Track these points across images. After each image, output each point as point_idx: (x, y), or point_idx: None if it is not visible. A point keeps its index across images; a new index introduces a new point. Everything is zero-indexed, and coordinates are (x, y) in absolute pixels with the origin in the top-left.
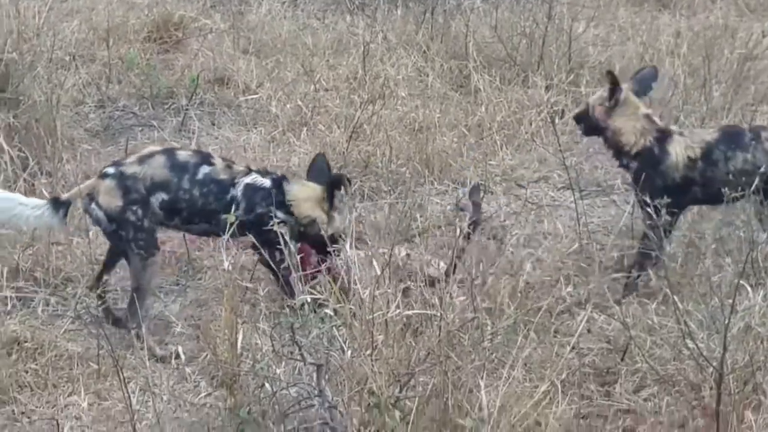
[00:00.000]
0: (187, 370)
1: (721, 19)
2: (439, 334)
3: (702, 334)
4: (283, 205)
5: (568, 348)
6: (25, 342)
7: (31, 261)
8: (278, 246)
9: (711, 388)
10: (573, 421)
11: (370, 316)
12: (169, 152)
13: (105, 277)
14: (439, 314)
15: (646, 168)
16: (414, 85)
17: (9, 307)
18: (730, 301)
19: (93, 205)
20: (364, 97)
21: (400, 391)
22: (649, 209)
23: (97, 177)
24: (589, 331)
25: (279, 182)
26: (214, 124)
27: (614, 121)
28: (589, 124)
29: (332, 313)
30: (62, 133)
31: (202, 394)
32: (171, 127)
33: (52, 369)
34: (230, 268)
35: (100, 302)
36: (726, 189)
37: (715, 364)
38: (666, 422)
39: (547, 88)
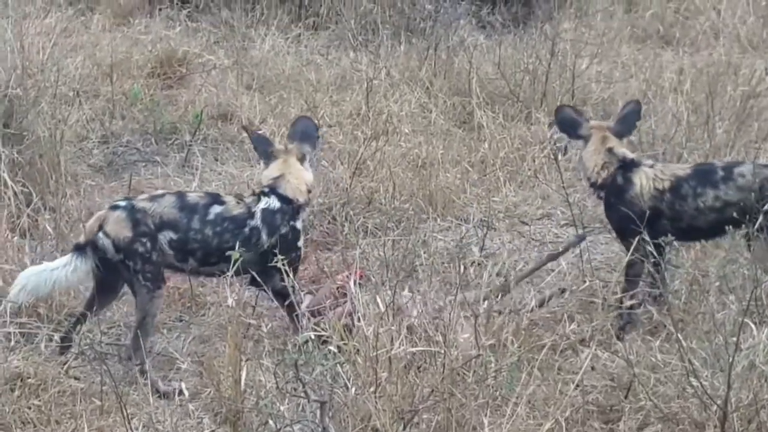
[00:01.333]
0: (191, 406)
1: (724, 56)
2: (443, 371)
3: (706, 372)
4: (296, 214)
5: (572, 385)
6: (28, 378)
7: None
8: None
9: (715, 427)
10: None
11: (374, 353)
12: (180, 194)
13: (87, 317)
14: (442, 351)
15: (612, 197)
16: (417, 121)
17: (12, 343)
18: (735, 339)
19: (100, 234)
20: (367, 133)
21: (404, 429)
22: (628, 241)
23: (107, 209)
24: (593, 368)
25: (278, 194)
26: (217, 160)
27: (582, 156)
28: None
29: (336, 350)
30: (66, 169)
31: (206, 431)
32: (174, 163)
33: (55, 405)
34: (234, 304)
35: (65, 332)
36: (698, 224)
37: (719, 402)
38: None
39: (550, 124)
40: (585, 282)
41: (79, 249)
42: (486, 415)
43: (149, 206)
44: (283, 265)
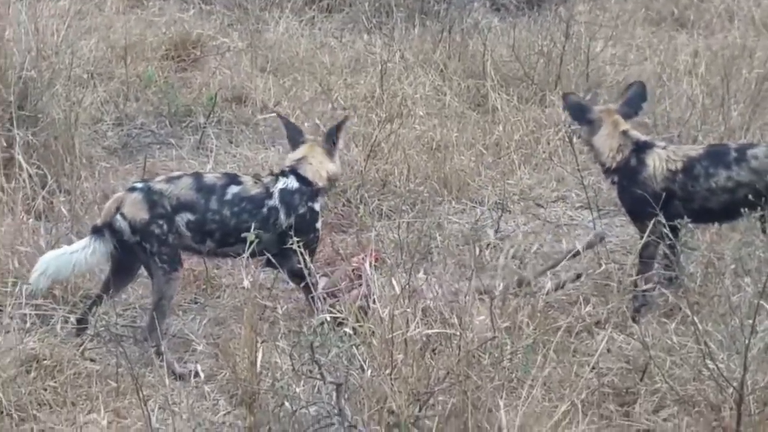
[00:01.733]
0: (206, 388)
1: (739, 38)
2: (459, 354)
3: (722, 355)
4: (315, 196)
5: (588, 367)
6: (44, 359)
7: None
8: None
9: (731, 409)
10: None
11: (390, 335)
12: (197, 175)
13: (103, 300)
14: (458, 333)
15: (626, 180)
16: (431, 104)
17: (28, 325)
18: (750, 321)
19: (117, 216)
20: (381, 116)
21: (420, 411)
22: (642, 223)
23: (124, 191)
24: (608, 350)
25: (298, 174)
26: (231, 143)
27: (594, 141)
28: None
29: (352, 332)
30: (80, 151)
31: (222, 413)
32: (189, 145)
33: (71, 387)
34: (249, 286)
35: (81, 314)
36: (710, 205)
37: (735, 384)
38: None
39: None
40: (601, 265)
41: (96, 231)
42: (501, 398)
43: (166, 188)
44: (300, 246)
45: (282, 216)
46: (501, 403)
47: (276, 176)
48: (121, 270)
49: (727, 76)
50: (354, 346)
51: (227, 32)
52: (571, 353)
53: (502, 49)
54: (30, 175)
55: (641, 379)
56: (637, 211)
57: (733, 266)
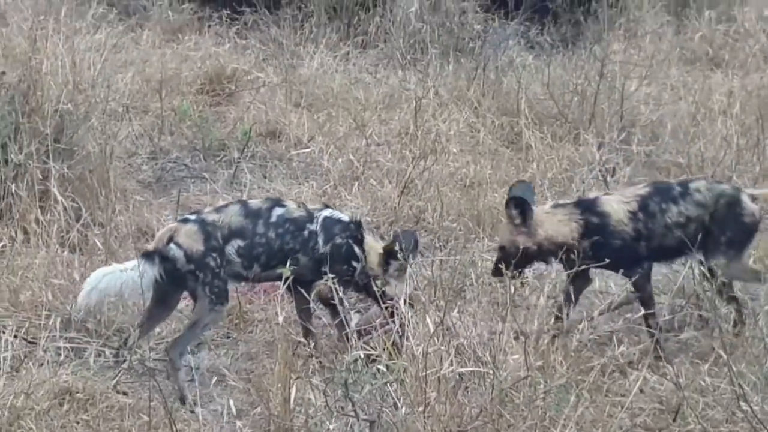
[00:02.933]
0: (239, 423)
1: None
2: (492, 392)
3: (756, 397)
4: (360, 244)
5: (621, 408)
6: (77, 392)
7: (84, 312)
8: (347, 279)
9: None
10: None
11: (423, 373)
12: (243, 202)
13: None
14: (491, 372)
15: (602, 238)
16: (465, 140)
17: (62, 358)
18: None
19: (171, 245)
20: (415, 152)
21: None
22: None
23: (177, 222)
24: (641, 391)
25: (358, 223)
26: (265, 177)
27: (542, 232)
28: (520, 260)
29: (385, 369)
30: (115, 184)
31: None
32: (223, 180)
33: (104, 420)
34: (283, 322)
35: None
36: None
37: None
38: None
39: (599, 146)
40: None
41: (147, 256)
42: None
43: (217, 218)
44: (333, 279)
45: (319, 242)
46: None
47: (325, 206)
48: (163, 302)
49: (762, 116)
50: (387, 384)
51: (262, 67)
52: (604, 393)
53: (537, 86)
54: (65, 208)
55: (674, 420)
56: (620, 259)
57: (767, 307)
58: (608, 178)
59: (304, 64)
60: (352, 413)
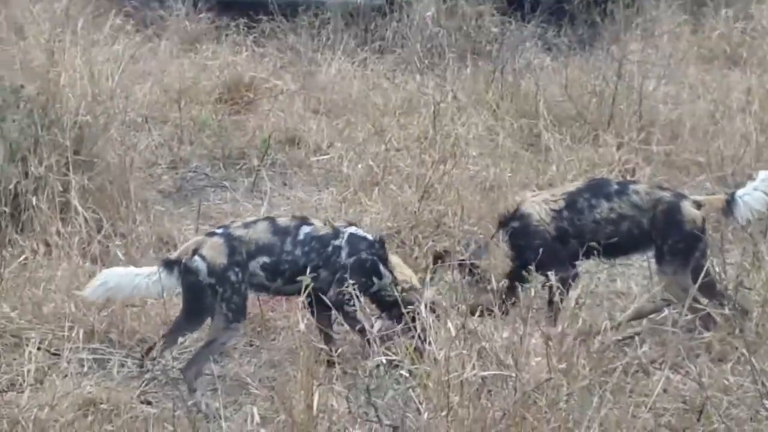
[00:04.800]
0: (262, 431)
1: None
2: (515, 395)
3: None
4: (385, 262)
5: (645, 408)
6: (101, 403)
7: (106, 323)
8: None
9: None
10: None
11: (446, 377)
12: (271, 219)
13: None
14: (514, 375)
15: (519, 241)
16: (484, 144)
17: (85, 369)
18: None
19: (195, 257)
20: (435, 157)
21: None
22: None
23: (204, 235)
24: (665, 391)
25: (381, 241)
26: (285, 185)
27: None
28: None
29: (407, 375)
30: (135, 195)
31: None
32: (243, 188)
33: (128, 431)
34: (305, 329)
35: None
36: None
37: None
38: None
39: (618, 146)
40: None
41: (167, 264)
42: None
43: (244, 233)
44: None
45: (343, 255)
46: None
47: (350, 224)
48: (191, 316)
49: None
50: (410, 389)
51: (280, 74)
52: (628, 394)
53: (555, 88)
54: (86, 219)
55: (698, 420)
56: (543, 261)
57: None
58: (628, 179)
59: (321, 71)
60: (375, 419)
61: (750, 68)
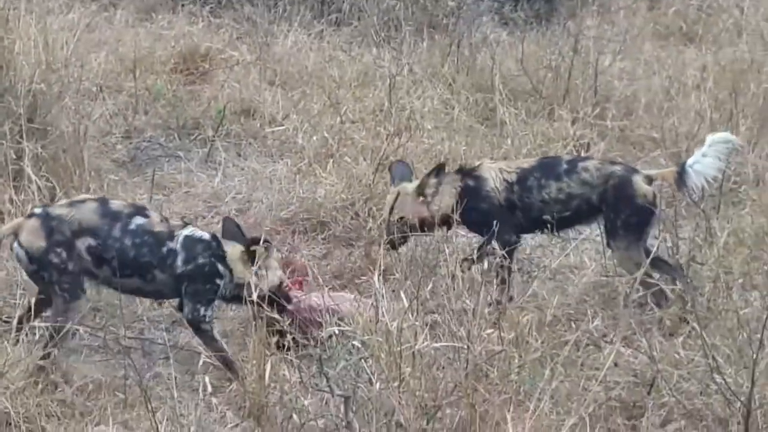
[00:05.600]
0: (214, 400)
1: (747, 53)
2: (467, 367)
3: (730, 369)
4: (223, 260)
5: (595, 381)
6: (51, 372)
7: None
8: (209, 299)
9: (738, 423)
10: None
11: (398, 348)
12: (102, 200)
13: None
14: (466, 347)
15: (471, 201)
16: (440, 117)
17: (37, 337)
18: (758, 335)
19: (15, 244)
20: (390, 130)
21: (428, 424)
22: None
23: (24, 217)
24: (616, 364)
25: (216, 237)
26: (240, 156)
27: (437, 203)
28: (414, 230)
29: (359, 345)
30: (89, 164)
31: (229, 426)
32: (197, 159)
33: (79, 398)
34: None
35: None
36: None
37: (743, 398)
38: None
39: (573, 121)
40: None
41: None
42: (509, 411)
43: (66, 212)
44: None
45: (179, 261)
46: (509, 417)
47: (185, 223)
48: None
49: (736, 90)
50: (362, 359)
51: (236, 45)
52: (579, 367)
53: (511, 63)
54: (39, 188)
55: (649, 393)
56: (483, 223)
57: (740, 280)
58: (582, 154)
59: (278, 43)
60: (327, 389)
61: (705, 45)
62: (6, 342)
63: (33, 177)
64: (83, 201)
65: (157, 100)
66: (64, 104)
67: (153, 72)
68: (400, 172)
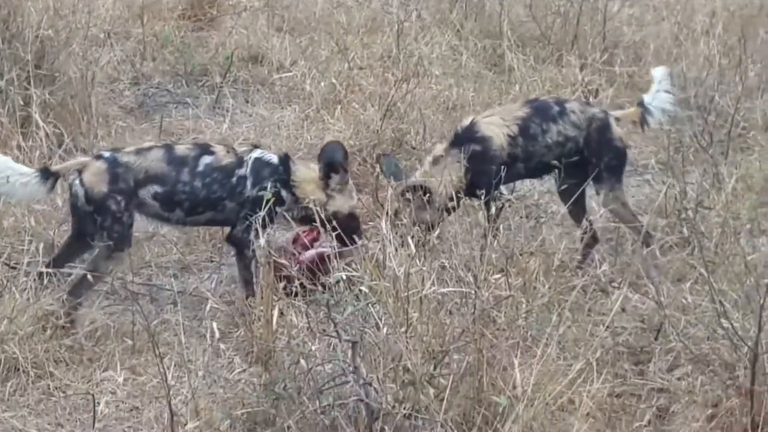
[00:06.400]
0: (222, 346)
1: None
2: (474, 312)
3: (737, 314)
4: (287, 184)
5: (603, 327)
6: (60, 318)
7: (66, 237)
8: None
9: (745, 368)
10: (606, 400)
11: (405, 294)
12: (168, 146)
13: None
14: (473, 292)
15: (480, 166)
16: (448, 63)
17: (45, 283)
18: (766, 280)
19: (76, 180)
20: (398, 76)
21: (435, 369)
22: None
23: (92, 156)
24: (623, 310)
25: (284, 160)
26: (248, 102)
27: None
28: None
29: (367, 291)
30: (97, 110)
31: (237, 371)
32: (205, 105)
33: (87, 344)
34: (265, 245)
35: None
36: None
37: (749, 343)
38: (700, 401)
39: (582, 67)
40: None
41: (43, 173)
42: (516, 356)
43: (133, 160)
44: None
45: (248, 186)
46: (516, 362)
47: (254, 146)
48: (76, 237)
49: (745, 36)
50: (369, 305)
51: None
52: (586, 312)
53: (519, 9)
54: (47, 134)
55: (656, 338)
56: (488, 184)
57: (748, 226)
58: (591, 99)
59: None
60: (334, 334)
61: None
62: (14, 288)
63: (41, 123)
64: (149, 149)
65: (164, 46)
66: (71, 50)
67: (161, 18)
68: (392, 167)
